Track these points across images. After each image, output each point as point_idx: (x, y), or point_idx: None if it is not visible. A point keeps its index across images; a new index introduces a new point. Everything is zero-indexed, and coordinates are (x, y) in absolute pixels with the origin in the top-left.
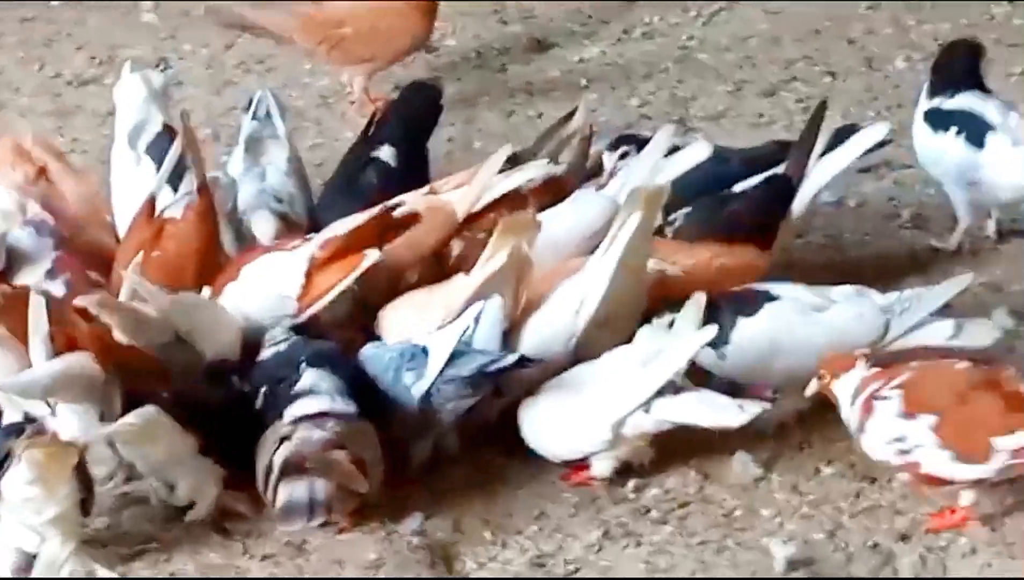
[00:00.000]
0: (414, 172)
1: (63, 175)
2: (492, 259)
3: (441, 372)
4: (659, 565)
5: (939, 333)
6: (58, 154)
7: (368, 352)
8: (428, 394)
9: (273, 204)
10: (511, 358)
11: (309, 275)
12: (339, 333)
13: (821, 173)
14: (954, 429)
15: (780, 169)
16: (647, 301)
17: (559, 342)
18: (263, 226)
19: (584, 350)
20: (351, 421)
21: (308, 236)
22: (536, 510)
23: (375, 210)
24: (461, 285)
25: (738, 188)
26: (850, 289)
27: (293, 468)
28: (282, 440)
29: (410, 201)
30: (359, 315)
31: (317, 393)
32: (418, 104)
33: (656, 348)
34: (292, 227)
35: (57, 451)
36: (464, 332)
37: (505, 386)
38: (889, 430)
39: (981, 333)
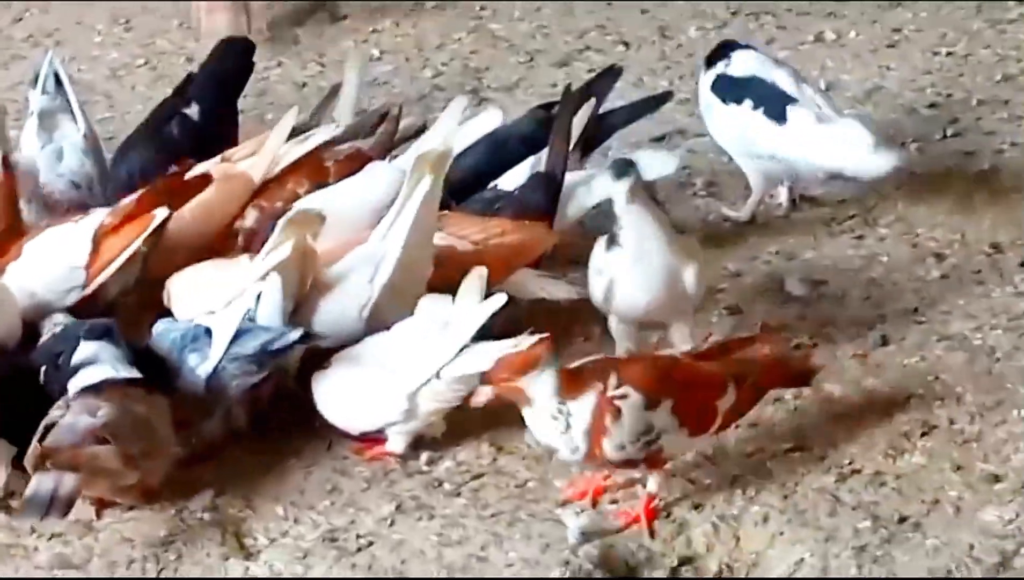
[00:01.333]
0: (222, 129)
1: None
2: (277, 250)
3: (225, 352)
4: (452, 537)
5: None
6: None
7: (156, 329)
8: (213, 374)
9: (71, 191)
10: (294, 334)
11: (96, 242)
12: (126, 311)
13: (596, 192)
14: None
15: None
16: (434, 274)
17: (353, 312)
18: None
19: (375, 320)
20: (130, 398)
21: (91, 210)
22: (328, 485)
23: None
24: (246, 268)
25: (504, 186)
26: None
27: (47, 461)
28: (47, 428)
29: (204, 169)
30: (149, 291)
31: (97, 362)
32: (229, 60)
33: (444, 318)
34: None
35: None
36: (246, 312)
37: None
38: (638, 425)
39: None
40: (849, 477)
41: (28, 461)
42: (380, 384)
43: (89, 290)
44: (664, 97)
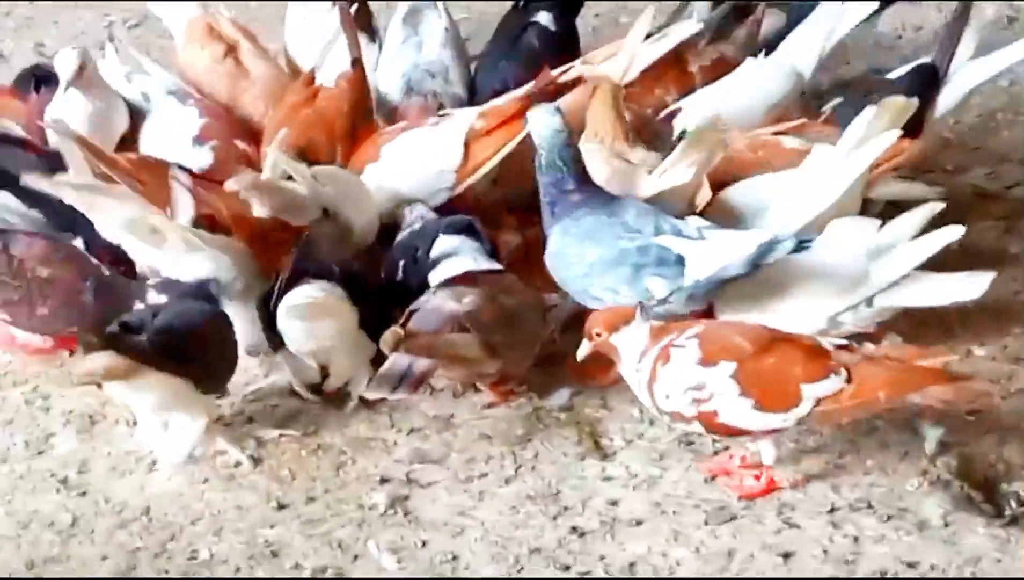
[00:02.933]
0: (572, 36)
1: (252, 56)
2: (676, 168)
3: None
4: (808, 444)
5: None
6: (249, 35)
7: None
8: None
9: (427, 82)
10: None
11: (467, 146)
12: (483, 208)
13: (970, 76)
14: (756, 377)
15: (928, 58)
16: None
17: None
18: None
19: None
20: (499, 289)
21: (444, 112)
22: None
23: (537, 81)
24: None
25: (891, 75)
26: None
27: (404, 344)
28: (411, 313)
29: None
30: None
31: (458, 254)
32: None
33: (873, 243)
34: (443, 103)
35: None
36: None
37: None
38: (686, 378)
39: None
40: None
41: (385, 341)
42: (797, 301)
43: (457, 192)
44: None
